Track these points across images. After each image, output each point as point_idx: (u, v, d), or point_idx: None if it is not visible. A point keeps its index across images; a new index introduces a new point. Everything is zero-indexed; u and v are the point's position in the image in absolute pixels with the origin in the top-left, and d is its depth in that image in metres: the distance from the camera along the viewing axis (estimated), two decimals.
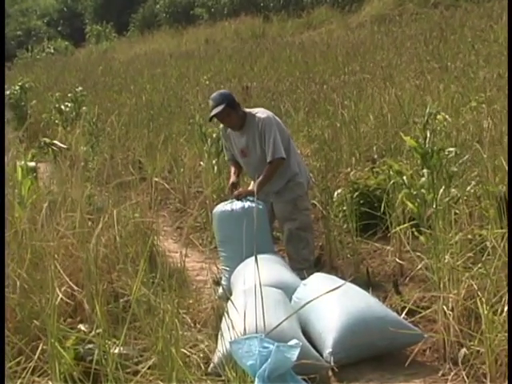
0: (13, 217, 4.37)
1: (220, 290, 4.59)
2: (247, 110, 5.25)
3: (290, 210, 5.14)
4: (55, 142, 6.95)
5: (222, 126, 5.36)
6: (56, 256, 4.01)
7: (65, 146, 6.41)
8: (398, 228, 4.78)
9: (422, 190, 4.59)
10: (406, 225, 4.74)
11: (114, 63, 20.82)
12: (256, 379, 2.28)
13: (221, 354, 3.39)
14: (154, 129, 9.63)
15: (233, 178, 5.28)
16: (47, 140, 7.49)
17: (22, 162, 5.04)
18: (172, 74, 15.95)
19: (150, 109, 11.10)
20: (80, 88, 11.57)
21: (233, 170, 5.38)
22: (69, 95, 11.16)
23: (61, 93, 11.97)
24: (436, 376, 3.57)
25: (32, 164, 4.96)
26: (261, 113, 5.19)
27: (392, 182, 4.99)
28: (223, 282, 4.85)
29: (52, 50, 28.65)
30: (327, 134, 7.13)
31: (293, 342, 2.39)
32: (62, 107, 10.78)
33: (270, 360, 2.26)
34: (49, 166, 6.91)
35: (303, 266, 4.95)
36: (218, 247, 5.18)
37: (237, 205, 4.99)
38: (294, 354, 2.32)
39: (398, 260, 4.90)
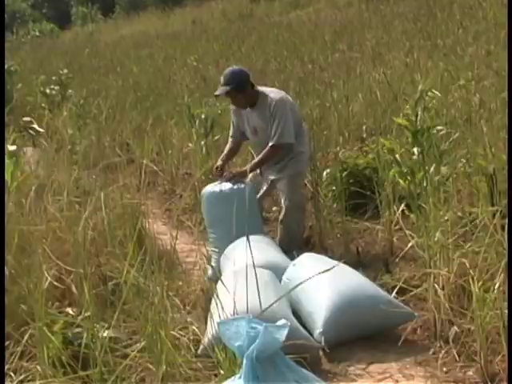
0: None
1: (209, 272, 4.56)
2: (261, 88, 5.18)
3: (289, 187, 5.11)
4: (33, 125, 6.82)
5: None
6: (44, 240, 3.97)
7: (41, 130, 6.30)
8: (388, 206, 4.75)
9: (413, 168, 4.55)
10: (396, 203, 4.72)
11: (100, 45, 20.65)
12: (244, 360, 2.25)
13: (210, 335, 3.37)
14: (141, 111, 9.55)
15: (219, 162, 5.21)
16: (25, 120, 7.36)
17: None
18: (159, 55, 15.83)
19: (137, 91, 11.00)
20: (65, 70, 11.45)
21: (228, 149, 5.32)
22: (53, 78, 11.04)
23: (46, 76, 11.84)
24: (427, 354, 3.55)
25: (13, 148, 4.86)
26: (274, 93, 5.12)
27: (383, 159, 4.96)
28: (213, 264, 4.81)
29: (37, 33, 28.34)
30: (316, 114, 7.08)
31: (281, 322, 2.35)
32: (48, 91, 10.67)
33: (257, 341, 2.22)
34: (36, 150, 6.83)
35: (293, 247, 4.93)
36: (207, 228, 5.14)
37: (225, 185, 4.95)
38: (283, 335, 2.29)
39: (388, 239, 4.88)
